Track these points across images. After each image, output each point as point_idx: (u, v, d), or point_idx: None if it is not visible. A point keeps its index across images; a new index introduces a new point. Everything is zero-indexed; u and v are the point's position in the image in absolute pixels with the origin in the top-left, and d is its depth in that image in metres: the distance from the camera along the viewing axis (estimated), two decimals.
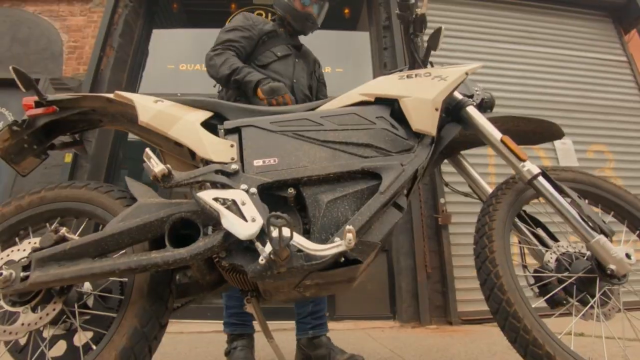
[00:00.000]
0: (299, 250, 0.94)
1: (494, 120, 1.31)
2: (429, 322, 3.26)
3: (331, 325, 3.30)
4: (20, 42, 4.10)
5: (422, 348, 2.23)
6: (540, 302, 1.19)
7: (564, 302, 1.17)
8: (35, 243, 1.05)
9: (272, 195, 1.07)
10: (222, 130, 1.19)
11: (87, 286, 1.14)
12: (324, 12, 2.02)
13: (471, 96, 1.38)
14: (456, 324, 3.23)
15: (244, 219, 0.94)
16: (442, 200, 3.59)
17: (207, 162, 1.11)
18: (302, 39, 2.09)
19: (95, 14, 4.23)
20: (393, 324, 3.34)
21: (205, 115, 1.23)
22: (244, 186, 1.02)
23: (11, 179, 3.61)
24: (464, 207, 3.65)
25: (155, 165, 0.96)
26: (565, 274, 1.16)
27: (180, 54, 4.53)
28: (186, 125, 1.17)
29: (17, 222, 1.16)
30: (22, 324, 1.00)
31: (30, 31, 4.16)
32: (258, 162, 1.10)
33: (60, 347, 1.10)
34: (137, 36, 4.47)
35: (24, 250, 1.06)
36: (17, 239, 1.17)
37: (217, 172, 1.05)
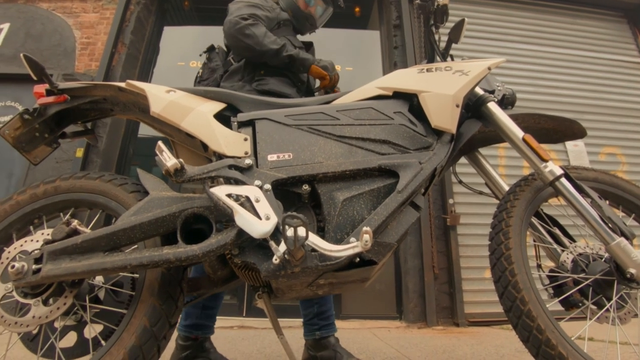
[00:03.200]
0: (314, 250, 0.92)
1: (515, 117, 1.28)
2: (435, 323, 3.23)
3: (337, 324, 3.29)
4: (34, 38, 4.14)
5: (428, 349, 2.21)
6: (555, 303, 1.17)
7: (579, 304, 1.15)
8: (47, 235, 1.05)
9: (286, 191, 1.05)
10: (236, 123, 1.17)
11: (98, 279, 1.13)
12: (327, 16, 2.00)
13: (492, 92, 1.35)
14: (463, 326, 3.20)
15: (257, 217, 0.92)
16: (450, 201, 3.56)
17: (219, 156, 1.10)
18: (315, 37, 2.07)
19: (108, 10, 4.26)
20: (399, 324, 3.32)
21: (218, 106, 1.21)
22: (257, 182, 1.01)
23: (24, 171, 3.65)
24: (473, 208, 3.62)
25: (168, 160, 0.95)
26: (582, 275, 1.14)
27: (191, 51, 4.54)
28: (199, 117, 1.14)
29: (32, 210, 1.15)
30: (33, 317, 0.99)
31: (44, 27, 4.20)
32: (272, 157, 1.08)
33: (71, 338, 1.09)
34: (149, 33, 4.50)
35: (37, 241, 1.06)
36: (31, 228, 1.17)
37: (230, 167, 1.03)
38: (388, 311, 3.55)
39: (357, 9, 5.00)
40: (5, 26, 4.17)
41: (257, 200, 0.95)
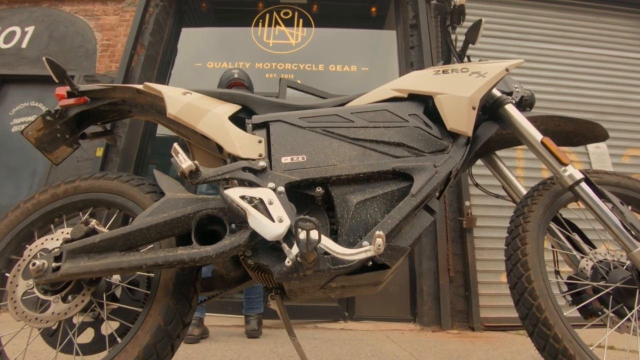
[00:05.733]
0: (326, 253, 0.92)
1: (533, 120, 1.25)
2: (450, 326, 3.19)
3: (350, 325, 3.31)
4: (57, 41, 4.27)
5: (442, 353, 2.18)
6: (573, 311, 1.14)
7: (599, 312, 1.12)
8: (67, 233, 1.08)
9: (299, 194, 1.05)
10: (250, 125, 1.18)
11: (115, 277, 1.16)
12: None
13: (510, 93, 1.33)
14: (478, 330, 3.15)
15: (271, 219, 0.92)
16: (467, 203, 3.50)
17: (234, 157, 1.10)
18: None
19: (128, 13, 4.35)
20: (413, 327, 3.29)
21: (233, 108, 1.22)
22: (271, 184, 1.01)
23: (46, 170, 3.76)
24: (489, 211, 3.57)
25: (183, 161, 0.96)
26: (602, 283, 1.11)
27: (208, 52, 4.61)
28: (214, 119, 1.16)
29: (53, 209, 1.19)
30: (53, 313, 1.02)
31: (67, 30, 4.32)
32: (286, 159, 1.08)
33: (89, 334, 1.12)
34: (167, 35, 4.58)
35: (57, 239, 1.09)
36: (52, 226, 1.21)
37: (244, 169, 1.04)
38: (402, 313, 3.52)
39: (373, 9, 4.97)
40: (30, 29, 4.31)
41: (271, 203, 0.96)
